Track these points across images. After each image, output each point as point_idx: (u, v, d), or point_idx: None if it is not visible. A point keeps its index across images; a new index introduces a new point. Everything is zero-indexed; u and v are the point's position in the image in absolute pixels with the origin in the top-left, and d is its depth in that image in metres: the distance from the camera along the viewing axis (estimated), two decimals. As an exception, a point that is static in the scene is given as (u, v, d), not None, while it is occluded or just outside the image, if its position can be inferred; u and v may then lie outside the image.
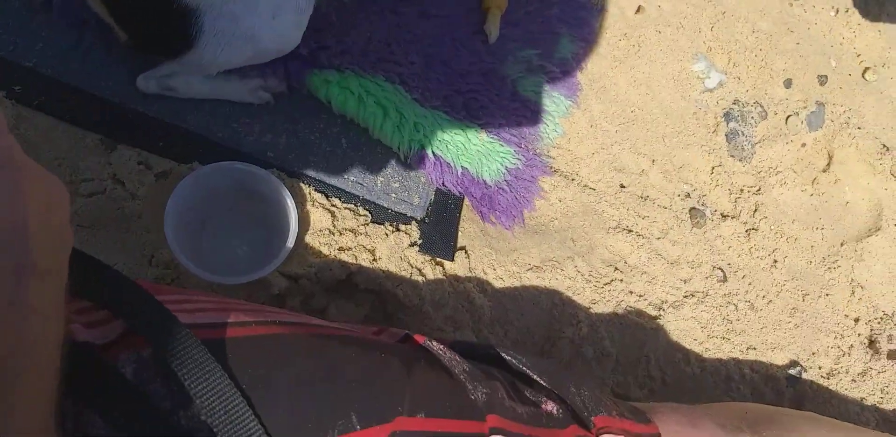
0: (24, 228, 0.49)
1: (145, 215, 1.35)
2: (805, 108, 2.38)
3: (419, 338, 1.09)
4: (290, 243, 1.31)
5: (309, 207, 1.46)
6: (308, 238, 1.47)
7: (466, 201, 1.67)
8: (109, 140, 1.34)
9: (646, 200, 1.96)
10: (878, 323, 2.17)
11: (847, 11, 2.64)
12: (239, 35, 1.25)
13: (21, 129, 1.29)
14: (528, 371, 1.13)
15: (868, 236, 2.29)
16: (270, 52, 1.34)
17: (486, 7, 1.78)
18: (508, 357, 1.15)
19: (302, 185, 1.47)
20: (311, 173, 1.49)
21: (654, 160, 2.02)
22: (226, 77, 1.40)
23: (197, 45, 1.23)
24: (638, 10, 2.16)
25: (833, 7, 2.62)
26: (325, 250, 1.46)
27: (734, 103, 2.24)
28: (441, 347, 1.07)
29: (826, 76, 2.48)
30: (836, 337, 2.09)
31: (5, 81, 1.28)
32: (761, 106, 2.29)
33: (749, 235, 2.12)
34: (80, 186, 1.30)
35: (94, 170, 1.31)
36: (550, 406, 1.09)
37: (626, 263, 1.87)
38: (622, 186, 1.94)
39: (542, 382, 1.13)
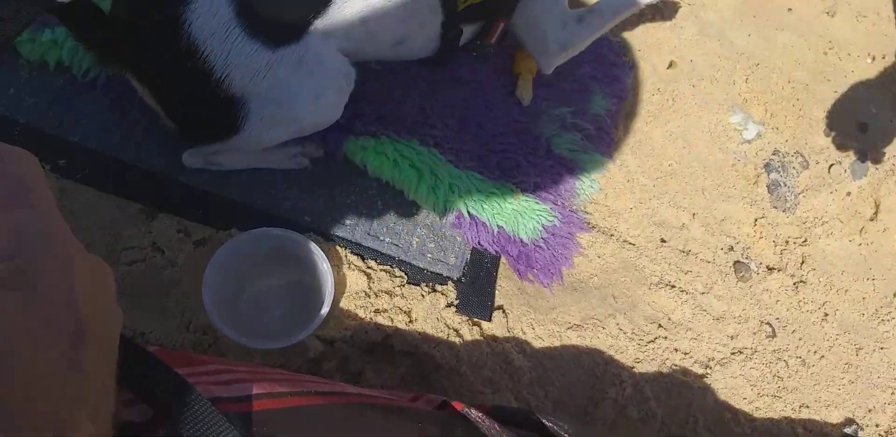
0: (77, 299, 0.51)
1: (184, 282, 1.36)
2: (847, 156, 2.33)
3: (457, 405, 1.06)
4: (326, 307, 1.30)
5: (345, 270, 1.46)
6: (344, 301, 1.46)
7: (503, 260, 1.65)
8: (150, 209, 1.37)
9: (688, 254, 1.92)
10: (940, 378, 2.07)
11: (884, 58, 2.61)
12: (284, 118, 1.29)
13: (64, 201, 1.33)
14: (569, 439, 1.09)
15: (923, 287, 2.20)
16: (312, 129, 1.37)
17: (516, 72, 1.80)
18: (550, 424, 1.11)
19: (338, 248, 1.48)
20: (347, 236, 1.50)
21: (694, 214, 1.99)
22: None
23: (243, 130, 1.27)
24: (670, 65, 2.16)
25: (869, 54, 2.59)
26: (361, 313, 1.46)
27: (774, 154, 2.20)
28: (480, 415, 1.04)
29: (866, 124, 2.43)
30: (893, 393, 2.00)
31: (51, 156, 1.32)
32: (802, 156, 2.25)
33: (797, 288, 2.05)
34: (121, 254, 1.32)
35: (135, 239, 1.34)
36: None
37: (669, 319, 1.82)
38: (663, 241, 1.91)
39: (583, 449, 1.09)
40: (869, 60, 2.58)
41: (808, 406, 1.89)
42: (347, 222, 1.51)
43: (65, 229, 0.54)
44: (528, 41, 1.66)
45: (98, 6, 1.12)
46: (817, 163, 2.28)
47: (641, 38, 2.15)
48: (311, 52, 1.27)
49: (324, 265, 1.33)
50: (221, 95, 1.21)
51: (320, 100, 1.32)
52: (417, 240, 1.57)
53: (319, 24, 1.28)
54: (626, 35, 2.12)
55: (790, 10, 2.53)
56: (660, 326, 1.80)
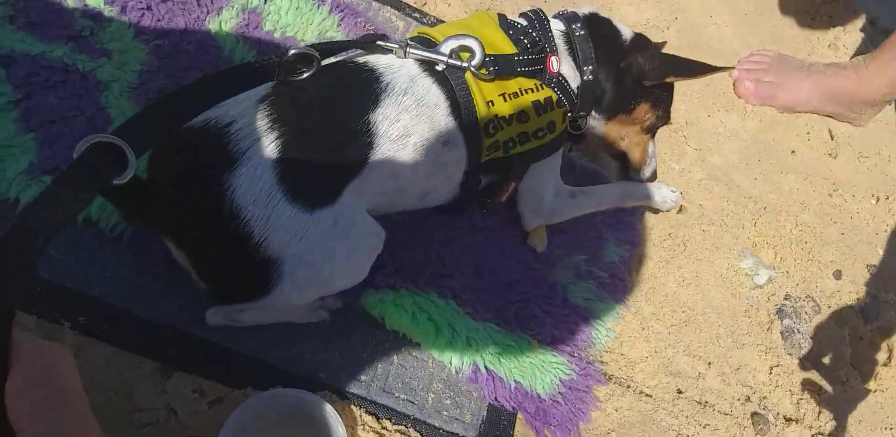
0: None
1: (196, 445, 1.32)
2: (858, 300, 2.33)
3: None
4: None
5: (360, 431, 1.42)
6: (359, 463, 1.41)
7: (520, 416, 1.61)
8: (166, 367, 1.34)
9: (705, 406, 1.88)
10: None
11: (888, 198, 2.66)
12: (315, 280, 1.29)
13: (81, 357, 1.31)
14: None
15: (944, 439, 2.15)
16: (341, 288, 1.38)
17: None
18: None
19: (353, 407, 1.44)
20: (363, 394, 1.47)
21: (710, 363, 1.96)
22: (289, 303, 1.43)
23: (274, 292, 1.26)
24: (680, 210, 2.20)
25: (873, 195, 2.65)
26: (376, 477, 1.41)
27: (786, 299, 2.20)
28: None
29: (875, 265, 2.45)
30: None
31: (72, 312, 1.31)
32: (813, 300, 2.25)
33: (816, 439, 2.00)
34: (134, 416, 1.29)
35: (149, 399, 1.31)
36: None
37: (689, 477, 1.76)
38: (679, 392, 1.87)
39: None
40: (873, 201, 2.63)
41: None
42: (363, 377, 1.48)
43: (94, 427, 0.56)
44: (522, 199, 1.74)
45: (141, 177, 1.13)
46: (829, 307, 2.27)
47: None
48: (344, 214, 1.29)
49: (339, 429, 1.29)
50: (257, 258, 1.21)
51: (352, 261, 1.34)
52: (433, 396, 1.53)
53: (354, 184, 1.31)
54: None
55: (794, 152, 2.61)
56: (680, 484, 1.74)
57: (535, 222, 1.78)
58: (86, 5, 1.56)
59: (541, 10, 1.65)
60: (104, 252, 1.39)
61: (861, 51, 3.02)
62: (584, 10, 1.72)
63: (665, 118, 1.79)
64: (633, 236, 2.02)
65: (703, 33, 2.69)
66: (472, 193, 1.61)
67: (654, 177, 1.89)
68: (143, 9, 1.60)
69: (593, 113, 1.73)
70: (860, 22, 3.13)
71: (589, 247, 1.91)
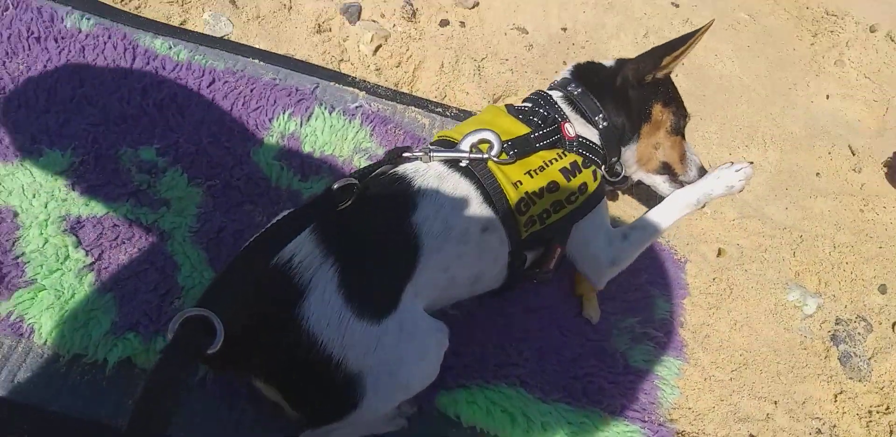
0: None
1: None
2: (908, 312, 2.24)
3: None
4: None
5: None
6: None
7: (605, 491, 1.57)
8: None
9: (779, 447, 1.82)
10: None
11: (918, 205, 2.56)
12: (396, 386, 1.28)
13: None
14: None
15: None
16: (419, 389, 1.35)
17: (579, 293, 1.79)
18: None
19: (447, 509, 1.42)
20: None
21: (775, 401, 1.89)
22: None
23: (361, 405, 1.25)
24: (719, 253, 2.14)
25: (903, 204, 2.55)
26: None
27: (837, 324, 2.12)
28: None
29: (919, 275, 2.35)
30: None
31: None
32: (864, 319, 2.16)
33: (892, 461, 1.91)
34: None
35: None
36: None
37: (777, 524, 1.70)
38: (752, 437, 1.81)
39: None
40: (904, 211, 2.54)
41: None
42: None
43: None
44: (580, 261, 1.66)
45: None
46: (880, 323, 2.19)
47: (686, 231, 2.14)
48: (407, 317, 1.28)
49: None
50: (340, 377, 1.21)
51: (424, 361, 1.32)
52: (517, 489, 1.50)
53: (410, 286, 1.31)
54: (673, 232, 2.11)
55: (818, 174, 2.53)
56: None
57: (602, 278, 1.67)
58: (140, 160, 1.58)
59: (540, 90, 1.70)
60: (191, 400, 1.39)
61: (868, 62, 2.94)
62: (567, 68, 1.77)
63: (682, 112, 1.77)
64: (679, 289, 1.97)
65: (709, 72, 2.63)
66: (520, 272, 1.58)
67: (702, 172, 1.80)
68: (192, 154, 1.62)
69: (623, 148, 1.73)
70: (861, 32, 3.04)
71: (639, 308, 1.86)
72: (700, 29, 1.64)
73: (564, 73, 1.76)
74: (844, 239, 2.35)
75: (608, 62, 1.77)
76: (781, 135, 2.57)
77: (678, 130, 1.78)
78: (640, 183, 1.86)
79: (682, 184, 1.80)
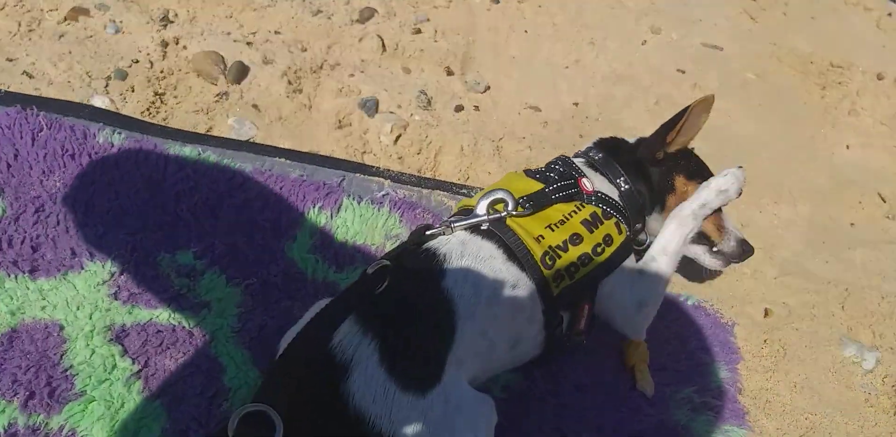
0: None
1: None
2: (973, 359, 2.15)
3: None
4: None
5: None
6: None
7: None
8: None
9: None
10: None
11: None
12: None
13: None
14: None
15: None
16: None
17: (630, 364, 1.74)
18: None
19: None
20: None
21: (851, 466, 1.80)
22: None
23: None
24: (766, 314, 2.08)
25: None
26: None
27: (901, 378, 2.03)
28: None
29: (977, 319, 2.27)
30: None
31: None
32: (928, 371, 2.07)
33: None
34: None
35: None
36: None
37: None
38: (831, 508, 1.71)
39: None
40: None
41: None
42: None
43: None
44: (609, 315, 1.62)
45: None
46: (945, 372, 2.09)
47: (729, 294, 2.10)
48: (452, 389, 1.26)
49: None
50: None
51: (477, 433, 1.27)
52: None
53: (452, 355, 1.29)
54: (716, 295, 2.07)
55: (853, 225, 2.50)
56: None
57: (636, 325, 1.64)
58: (179, 264, 1.60)
59: (562, 155, 1.74)
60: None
61: (881, 109, 2.96)
62: (590, 141, 1.84)
63: (706, 177, 1.76)
64: (732, 353, 1.91)
65: (725, 133, 2.65)
66: (559, 333, 1.54)
67: (742, 247, 1.78)
68: (228, 255, 1.64)
69: (647, 216, 1.75)
70: (869, 81, 3.08)
71: (694, 376, 1.80)
72: (691, 105, 1.67)
73: (588, 144, 1.83)
74: (891, 288, 2.29)
75: (630, 139, 1.83)
76: (809, 188, 2.56)
77: None
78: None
79: (723, 255, 1.79)
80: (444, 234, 1.47)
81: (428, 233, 1.46)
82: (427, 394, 1.22)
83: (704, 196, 1.70)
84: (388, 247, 1.80)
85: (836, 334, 2.09)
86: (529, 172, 1.68)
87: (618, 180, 1.70)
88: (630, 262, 1.62)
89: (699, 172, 1.78)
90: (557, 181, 1.59)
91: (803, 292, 2.18)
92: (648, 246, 1.73)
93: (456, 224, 1.47)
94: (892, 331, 2.16)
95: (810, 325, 2.09)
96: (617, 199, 1.67)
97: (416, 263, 1.41)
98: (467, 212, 1.55)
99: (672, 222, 1.69)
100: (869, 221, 2.53)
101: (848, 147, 2.84)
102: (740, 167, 1.74)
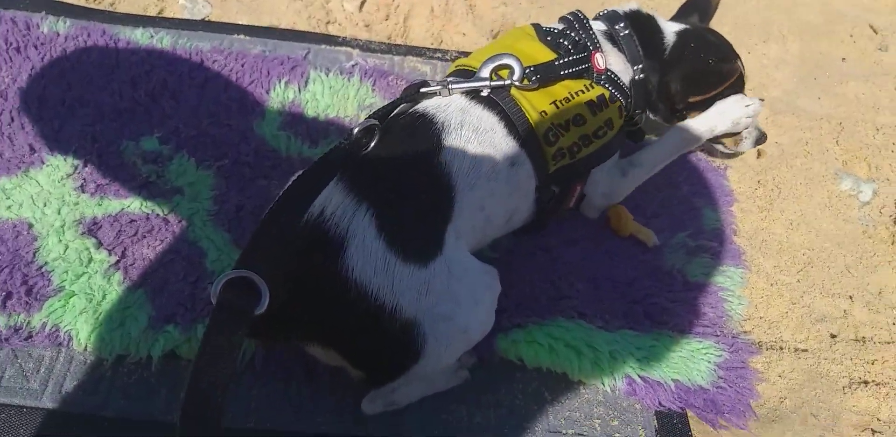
0: None
1: None
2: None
3: None
4: None
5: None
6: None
7: (691, 414, 1.39)
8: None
9: (864, 342, 1.61)
10: None
11: (956, 73, 2.27)
12: (455, 332, 1.13)
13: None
14: None
15: None
16: (480, 335, 1.20)
17: (626, 234, 1.58)
18: None
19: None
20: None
21: (850, 296, 1.68)
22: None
23: (424, 354, 1.11)
24: (759, 155, 1.90)
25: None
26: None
27: (897, 206, 1.88)
28: None
29: (973, 143, 2.08)
30: None
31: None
32: (925, 198, 1.92)
33: None
34: None
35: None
36: None
37: (879, 420, 1.49)
38: (833, 337, 1.60)
39: None
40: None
41: None
42: (526, 424, 1.30)
43: None
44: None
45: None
46: (944, 199, 1.94)
47: (721, 138, 1.91)
48: (454, 259, 1.14)
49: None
50: (397, 325, 1.07)
51: (479, 305, 1.16)
52: (599, 421, 1.33)
53: (451, 228, 1.16)
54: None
55: (844, 59, 2.25)
56: (873, 431, 1.48)
57: (592, 211, 1.57)
58: (144, 151, 1.43)
59: (580, 11, 1.45)
60: (244, 383, 1.25)
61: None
62: (625, 7, 1.52)
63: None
64: (725, 196, 1.75)
65: None
66: (549, 206, 1.41)
67: (759, 141, 1.61)
68: (195, 137, 1.47)
69: (649, 114, 1.55)
70: None
71: (687, 221, 1.66)
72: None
73: (621, 8, 1.51)
74: (886, 120, 2.09)
75: (669, 33, 1.51)
76: (798, 25, 2.30)
77: None
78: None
79: (734, 151, 1.63)
80: (440, 95, 1.27)
81: (423, 90, 1.26)
82: (429, 265, 1.10)
83: (715, 122, 1.51)
84: (363, 117, 1.60)
85: (831, 169, 1.92)
86: (540, 31, 1.41)
87: (635, 67, 1.46)
88: (616, 157, 1.49)
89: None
90: (570, 54, 1.36)
91: (796, 129, 1.98)
92: (638, 130, 1.54)
93: (454, 86, 1.26)
94: (888, 162, 1.98)
95: (804, 162, 1.91)
96: (627, 82, 1.44)
97: (411, 130, 1.22)
98: (466, 74, 1.34)
99: (675, 141, 1.53)
100: (860, 54, 2.29)
101: (839, -19, 2.53)
102: (762, 100, 1.54)
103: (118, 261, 1.30)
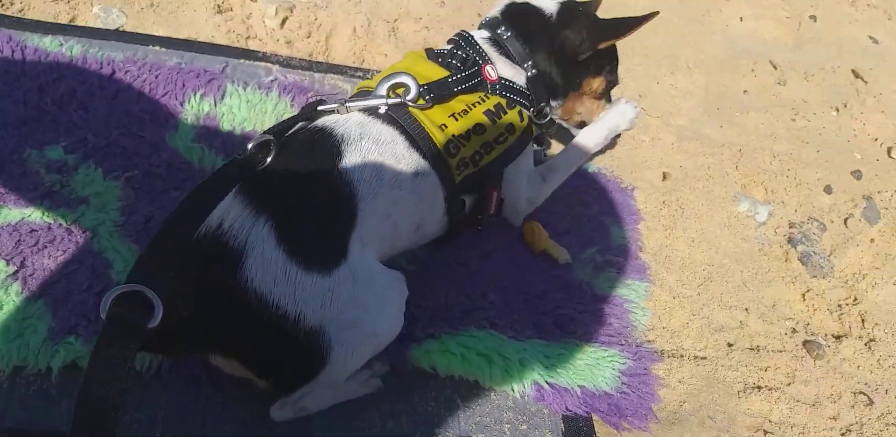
0: None
1: None
2: (856, 206, 2.15)
3: None
4: None
5: (453, 485, 1.27)
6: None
7: (596, 418, 1.45)
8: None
9: (758, 350, 1.72)
10: None
11: (846, 106, 2.48)
12: (362, 337, 1.16)
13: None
14: None
15: None
16: (388, 339, 1.23)
17: (539, 250, 1.65)
18: None
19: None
20: (441, 449, 1.31)
21: (746, 309, 1.79)
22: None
23: (330, 360, 1.13)
24: (664, 177, 2.03)
25: (832, 107, 2.47)
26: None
27: (791, 227, 2.02)
28: None
29: (859, 170, 2.27)
30: None
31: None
32: (816, 220, 2.07)
33: (870, 347, 1.82)
34: None
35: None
36: None
37: (770, 421, 1.59)
38: (730, 345, 1.71)
39: None
40: (834, 113, 2.45)
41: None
42: (437, 431, 1.33)
43: None
44: (505, 202, 1.60)
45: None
46: (832, 221, 2.10)
47: (629, 161, 2.03)
48: (359, 266, 1.17)
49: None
50: (301, 333, 1.08)
51: (385, 308, 1.20)
52: (509, 426, 1.38)
53: (355, 236, 1.19)
54: (615, 163, 2.00)
55: (746, 92, 2.43)
56: (765, 432, 1.57)
57: (519, 217, 1.66)
58: (48, 160, 1.41)
59: (464, 31, 1.55)
60: (151, 391, 1.23)
61: None
62: (499, 6, 1.61)
63: (614, 81, 1.69)
64: (632, 215, 1.85)
65: (622, 9, 2.51)
66: (461, 218, 1.48)
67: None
68: (103, 147, 1.46)
69: (552, 103, 1.63)
70: None
71: (596, 238, 1.75)
72: (644, 17, 1.51)
73: (494, 11, 1.59)
74: (782, 148, 2.26)
75: (549, 7, 1.56)
76: (704, 59, 2.47)
77: (604, 96, 1.71)
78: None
79: None
80: (337, 112, 1.30)
81: (320, 108, 1.30)
82: (333, 273, 1.13)
83: (617, 122, 1.71)
84: (280, 132, 1.63)
85: (731, 192, 2.06)
86: (431, 54, 1.50)
87: (525, 65, 1.53)
88: (531, 163, 1.62)
89: (609, 69, 1.65)
90: (460, 70, 1.43)
91: (699, 155, 2.12)
92: (551, 121, 1.64)
93: (351, 104, 1.30)
94: (783, 187, 2.14)
95: (706, 185, 2.04)
96: (523, 84, 1.53)
97: (309, 143, 1.25)
98: (366, 94, 1.39)
99: (587, 141, 1.69)
100: (761, 87, 2.47)
101: (741, 19, 2.75)
102: (636, 103, 1.76)
103: (16, 271, 1.27)
